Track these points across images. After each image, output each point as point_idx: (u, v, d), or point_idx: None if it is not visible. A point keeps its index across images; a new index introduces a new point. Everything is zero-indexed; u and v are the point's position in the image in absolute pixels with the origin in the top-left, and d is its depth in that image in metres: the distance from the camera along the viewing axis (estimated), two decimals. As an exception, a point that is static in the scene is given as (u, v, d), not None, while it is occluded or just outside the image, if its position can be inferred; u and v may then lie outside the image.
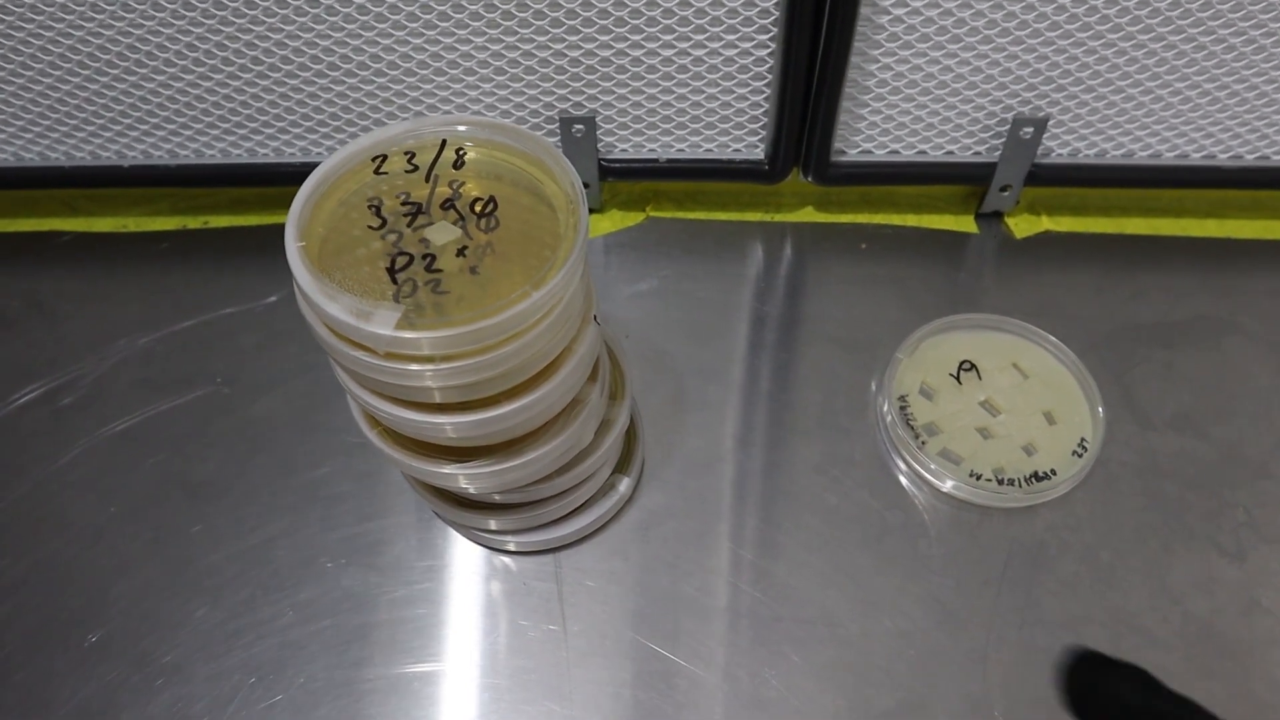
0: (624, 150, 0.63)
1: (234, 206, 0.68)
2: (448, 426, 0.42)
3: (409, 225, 0.41)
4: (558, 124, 0.61)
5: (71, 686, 0.49)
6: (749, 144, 0.62)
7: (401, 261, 0.40)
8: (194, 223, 0.68)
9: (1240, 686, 0.49)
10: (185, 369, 0.60)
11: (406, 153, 0.43)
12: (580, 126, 0.61)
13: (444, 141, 0.44)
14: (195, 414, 0.59)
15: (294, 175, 0.63)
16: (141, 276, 0.65)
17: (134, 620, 0.51)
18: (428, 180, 0.43)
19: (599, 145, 0.63)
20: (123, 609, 0.52)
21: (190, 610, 0.51)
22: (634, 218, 0.67)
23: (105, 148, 0.64)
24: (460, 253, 0.40)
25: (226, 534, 0.54)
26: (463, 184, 0.43)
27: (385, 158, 0.43)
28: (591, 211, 0.67)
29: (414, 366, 0.38)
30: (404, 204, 0.42)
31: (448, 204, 0.42)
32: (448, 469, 0.45)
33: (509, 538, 0.52)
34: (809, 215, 0.67)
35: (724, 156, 0.63)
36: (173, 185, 0.66)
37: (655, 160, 0.63)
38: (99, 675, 0.50)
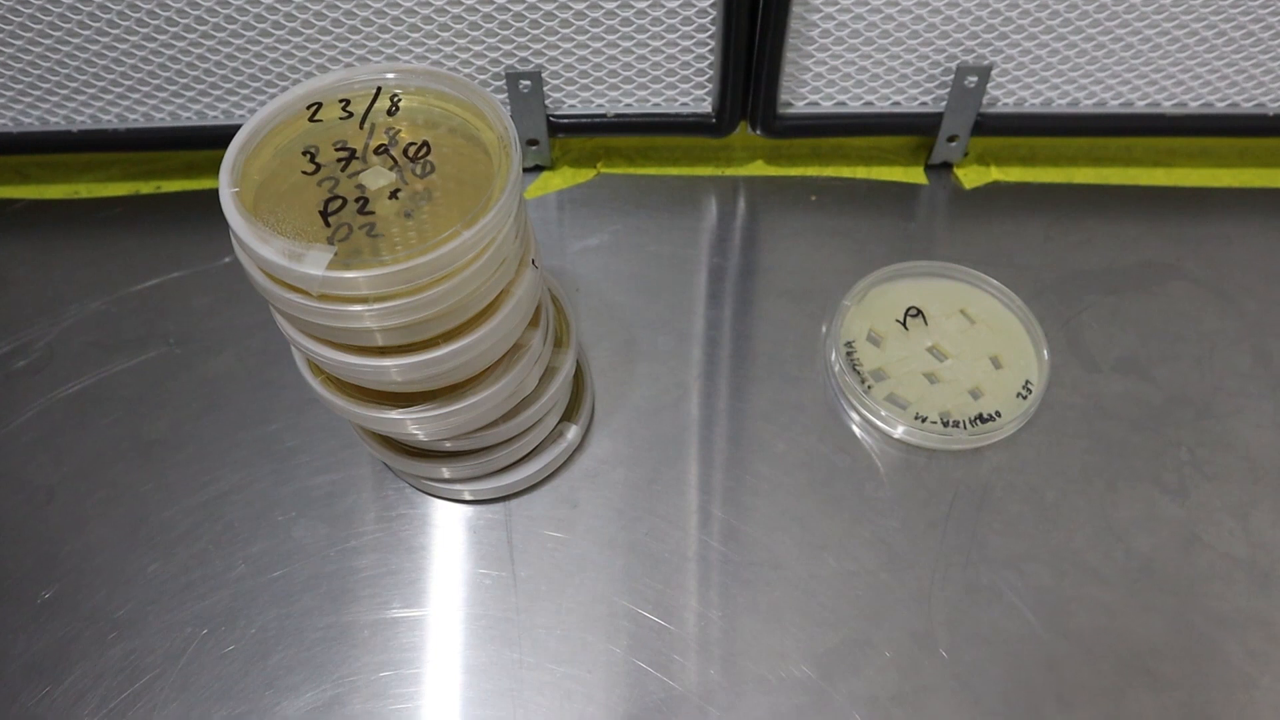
0: (572, 106, 0.63)
1: (186, 171, 0.68)
2: (391, 369, 0.42)
3: (343, 171, 0.41)
4: (504, 79, 0.61)
5: (24, 642, 0.49)
6: (696, 97, 0.63)
7: (335, 205, 0.40)
8: (146, 188, 0.68)
9: (1180, 619, 0.50)
10: (138, 331, 0.61)
11: (341, 100, 0.44)
12: (527, 82, 0.61)
13: (378, 89, 0.44)
14: (148, 375, 0.59)
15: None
16: (94, 242, 0.65)
17: (86, 576, 0.51)
18: (362, 127, 0.43)
19: (547, 101, 0.63)
20: (75, 565, 0.52)
21: (143, 565, 0.52)
22: (585, 174, 0.67)
23: (53, 112, 0.64)
24: (393, 195, 0.40)
25: (179, 490, 0.54)
26: (398, 131, 0.43)
27: (320, 106, 0.43)
28: (542, 168, 0.68)
29: (352, 308, 0.39)
30: (339, 150, 0.42)
31: (382, 150, 0.42)
32: (393, 414, 0.45)
33: (461, 486, 0.52)
34: (760, 169, 0.68)
35: (671, 110, 0.63)
36: (122, 149, 0.66)
37: (603, 115, 0.63)
38: (51, 630, 0.50)
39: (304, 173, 0.41)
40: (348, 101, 0.43)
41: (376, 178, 0.41)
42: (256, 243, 0.38)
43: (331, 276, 0.37)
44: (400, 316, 0.39)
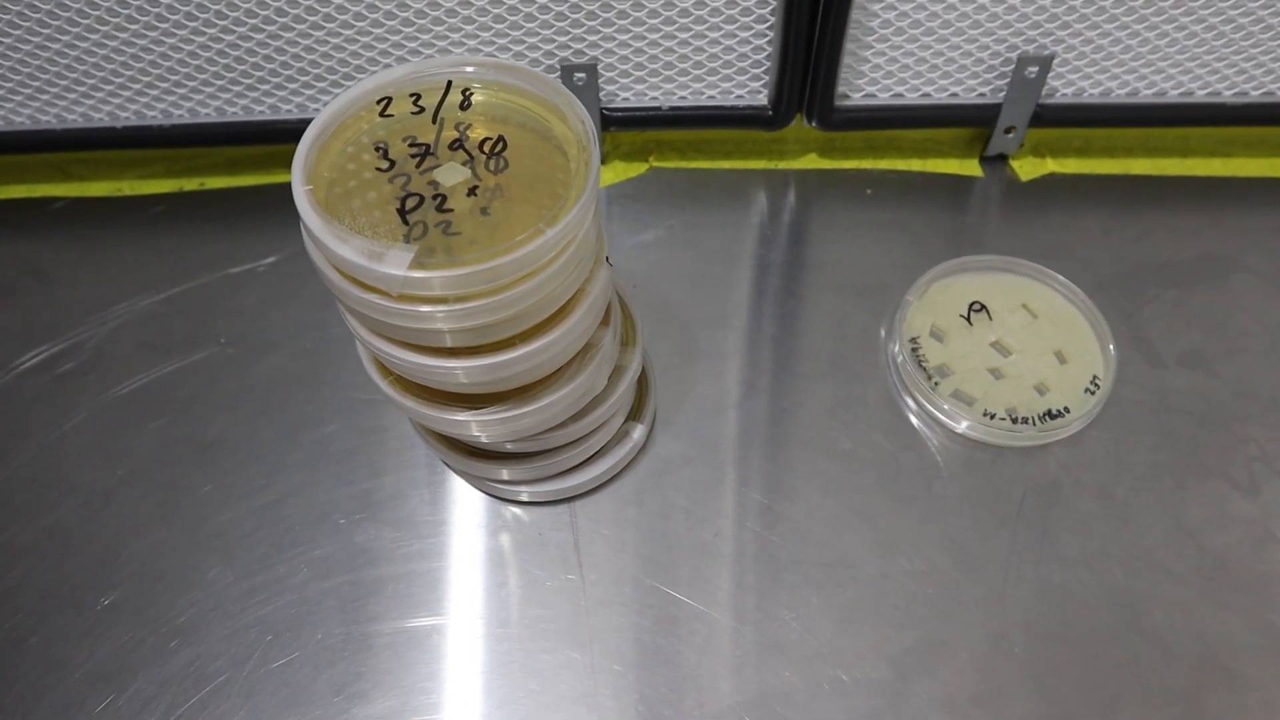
0: (626, 99, 0.62)
1: (230, 167, 0.67)
2: (459, 371, 0.41)
3: (417, 167, 0.41)
4: (559, 72, 0.60)
5: (87, 649, 0.49)
6: (751, 90, 0.62)
7: (412, 203, 0.39)
8: (190, 184, 0.67)
9: (1257, 618, 0.49)
10: (187, 331, 0.60)
11: (412, 95, 0.43)
12: (582, 75, 0.60)
13: (449, 83, 0.43)
14: (200, 375, 0.58)
15: (290, 132, 0.62)
16: (138, 240, 0.65)
17: (147, 582, 0.51)
18: (434, 122, 0.42)
19: (601, 95, 0.62)
20: (135, 571, 0.51)
21: (203, 570, 0.51)
22: (637, 168, 0.66)
23: (97, 109, 0.63)
24: (471, 192, 0.40)
25: (237, 493, 0.53)
26: (470, 125, 0.42)
27: (390, 100, 0.42)
28: (593, 163, 0.67)
29: (425, 308, 0.38)
30: (411, 146, 0.41)
31: (455, 145, 0.41)
32: (461, 416, 0.44)
33: (522, 488, 0.52)
34: (813, 162, 0.67)
35: (726, 103, 0.62)
36: (167, 146, 0.65)
37: (658, 108, 0.62)
38: (113, 637, 0.49)
39: (377, 169, 0.40)
40: (419, 95, 0.43)
41: (452, 174, 0.40)
42: (334, 242, 0.37)
43: (413, 276, 0.37)
44: (476, 318, 0.38)
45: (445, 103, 0.42)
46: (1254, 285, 0.61)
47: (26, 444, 0.56)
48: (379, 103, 0.42)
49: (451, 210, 0.39)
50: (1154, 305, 0.60)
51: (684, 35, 0.58)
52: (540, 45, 0.59)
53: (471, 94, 0.43)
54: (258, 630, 0.49)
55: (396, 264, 0.37)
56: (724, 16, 0.57)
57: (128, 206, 0.67)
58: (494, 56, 0.59)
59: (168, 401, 0.57)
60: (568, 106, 0.41)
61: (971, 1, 0.57)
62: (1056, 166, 0.66)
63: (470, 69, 0.43)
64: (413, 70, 0.43)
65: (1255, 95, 0.63)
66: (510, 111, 0.42)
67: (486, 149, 0.41)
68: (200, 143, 0.64)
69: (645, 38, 0.59)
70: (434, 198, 0.39)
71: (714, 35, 0.58)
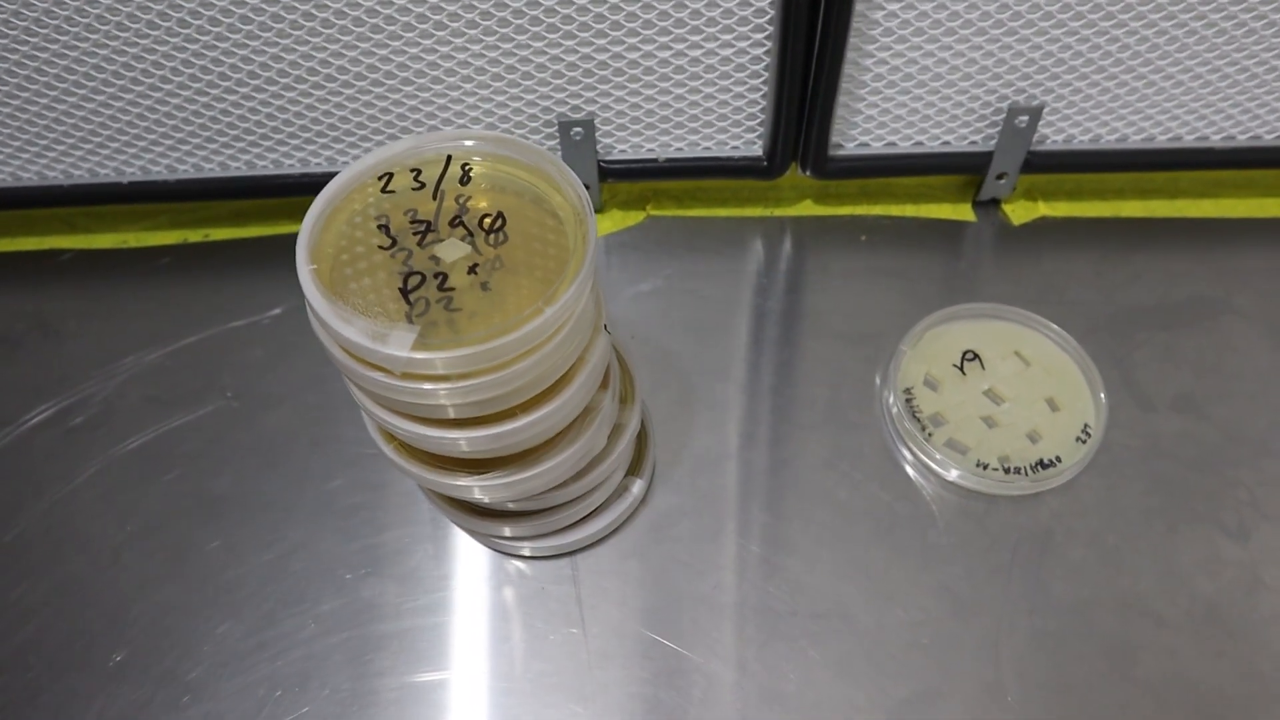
0: (623, 151, 0.63)
1: (234, 219, 0.68)
2: (462, 441, 0.42)
3: (419, 243, 0.42)
4: (556, 128, 0.61)
5: (98, 708, 0.50)
6: (747, 141, 0.63)
7: (414, 281, 0.40)
8: (195, 236, 0.68)
9: (1248, 665, 0.50)
10: (194, 384, 0.61)
11: (412, 169, 0.44)
12: (579, 130, 0.61)
13: (449, 157, 0.44)
14: (207, 429, 0.59)
15: (293, 187, 0.63)
16: (145, 292, 0.66)
17: (156, 638, 0.52)
18: (435, 197, 0.43)
19: (598, 147, 0.63)
20: (145, 627, 0.52)
21: (212, 626, 0.52)
22: (634, 217, 0.67)
23: (103, 165, 0.64)
24: (471, 270, 0.41)
25: (244, 549, 0.54)
26: (469, 199, 0.43)
27: (391, 175, 0.43)
28: (592, 212, 0.68)
29: (428, 386, 0.39)
30: (412, 221, 0.42)
31: (455, 220, 0.42)
32: (463, 481, 0.45)
33: (524, 543, 0.53)
34: (808, 209, 0.68)
35: (722, 154, 0.63)
36: (172, 200, 0.66)
37: (654, 160, 0.63)
38: (124, 695, 0.50)
39: (380, 246, 0.41)
40: (419, 170, 0.44)
41: (452, 250, 0.41)
42: (339, 323, 0.38)
43: (415, 358, 0.38)
44: (478, 394, 0.39)
45: (445, 177, 0.43)
46: (1243, 327, 0.62)
47: (38, 500, 0.57)
48: (380, 179, 0.43)
49: (453, 289, 0.40)
50: (1145, 349, 0.61)
51: (679, 90, 0.59)
52: (539, 102, 0.60)
53: (470, 168, 0.44)
54: (266, 686, 0.50)
55: (400, 345, 0.38)
56: (719, 72, 0.58)
57: (134, 258, 0.68)
58: (493, 115, 0.60)
59: (175, 457, 0.58)
60: (562, 179, 0.42)
61: (961, 54, 0.58)
62: (1048, 210, 0.67)
63: (470, 142, 0.44)
64: (413, 145, 0.44)
65: (1242, 140, 0.64)
66: (508, 183, 0.43)
67: (486, 225, 0.42)
68: (204, 196, 0.65)
69: (641, 92, 0.60)
70: (435, 275, 0.40)
71: (709, 90, 0.59)
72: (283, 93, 0.59)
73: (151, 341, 0.63)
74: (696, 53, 0.57)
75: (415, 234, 0.42)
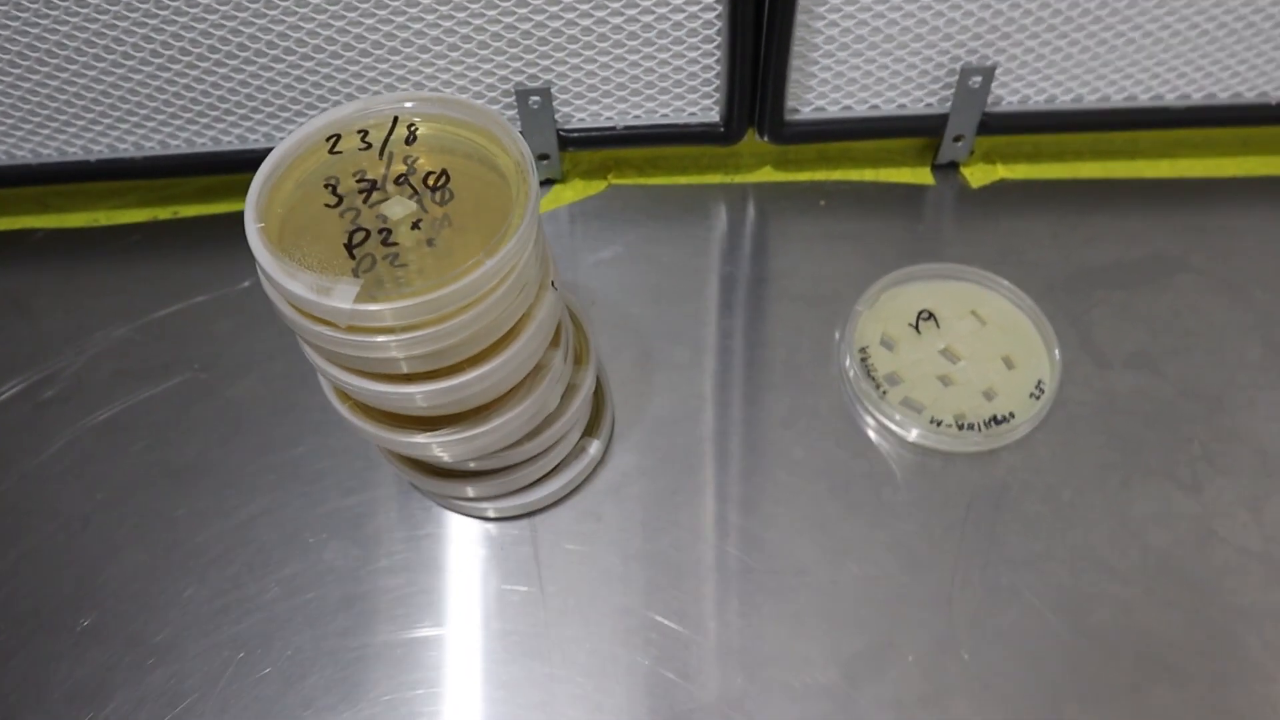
0: (582, 120, 0.64)
1: (202, 195, 0.69)
2: (417, 396, 0.43)
3: (365, 202, 0.42)
4: (514, 96, 0.62)
5: (66, 669, 0.51)
6: (704, 107, 0.63)
7: (358, 237, 0.41)
8: (164, 213, 0.69)
9: (1198, 614, 0.51)
10: (163, 357, 0.61)
11: (360, 131, 0.44)
12: (537, 98, 0.61)
13: (395, 118, 0.44)
14: (175, 400, 0.60)
15: (258, 161, 0.63)
16: (115, 269, 0.66)
17: (124, 603, 0.53)
18: (381, 157, 0.44)
19: (557, 116, 0.63)
20: (113, 592, 0.53)
21: (179, 590, 0.53)
22: (596, 186, 0.68)
23: (71, 143, 0.64)
24: (415, 225, 0.41)
25: (211, 515, 0.55)
26: (416, 159, 0.44)
27: (339, 137, 0.44)
28: (554, 182, 0.68)
29: (378, 339, 0.40)
30: (359, 181, 0.43)
31: (402, 179, 0.43)
32: (419, 438, 0.46)
33: (486, 504, 0.53)
34: (768, 175, 0.68)
35: (680, 121, 0.64)
36: (139, 177, 0.66)
37: (613, 128, 0.64)
38: (92, 658, 0.51)
39: (326, 205, 0.42)
40: (366, 131, 0.44)
41: (397, 208, 0.42)
42: (284, 278, 0.39)
43: (359, 309, 0.38)
44: (425, 345, 0.40)
45: (391, 138, 0.44)
46: (1200, 285, 0.62)
47: (8, 472, 0.57)
48: (328, 140, 0.44)
49: (397, 244, 0.41)
50: (1101, 308, 0.61)
51: (635, 57, 0.60)
52: (495, 71, 0.61)
53: (417, 128, 0.44)
54: (230, 648, 0.51)
55: (343, 298, 0.39)
56: (672, 38, 0.59)
57: (105, 236, 0.68)
58: (451, 85, 0.61)
59: (142, 427, 0.58)
60: (505, 136, 0.43)
61: (912, 15, 0.58)
62: (1007, 173, 0.68)
63: (411, 104, 0.44)
64: (359, 107, 0.44)
65: (1197, 98, 0.64)
66: (455, 142, 0.44)
67: (430, 182, 0.43)
68: (171, 173, 0.66)
69: (597, 60, 0.60)
70: (380, 231, 0.41)
71: (664, 56, 0.60)
72: (244, 66, 0.60)
73: (121, 317, 0.64)
74: (649, 18, 0.58)
75: (362, 193, 0.43)
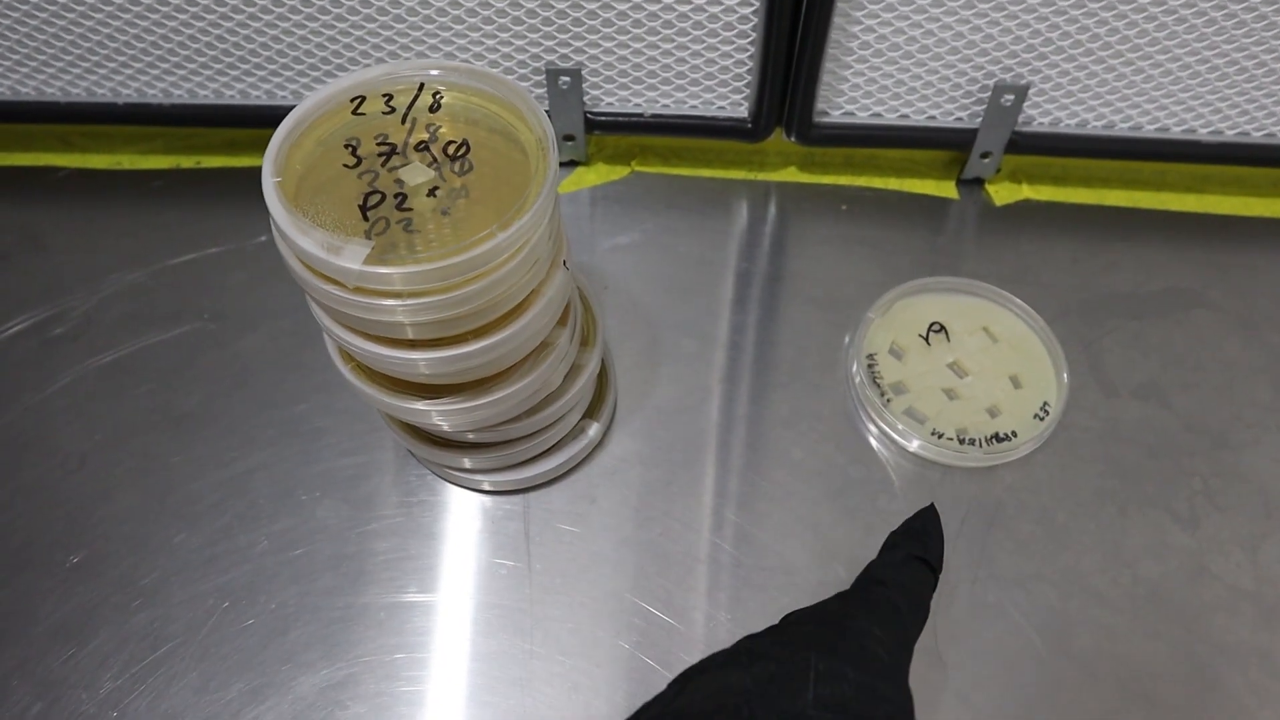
0: (610, 104, 0.64)
1: (227, 147, 0.69)
2: (420, 362, 0.43)
3: (384, 165, 0.42)
4: (544, 75, 0.62)
5: (53, 604, 0.51)
6: (733, 102, 0.63)
7: (374, 199, 0.41)
8: (187, 162, 0.69)
9: (1183, 648, 0.50)
10: (174, 304, 0.62)
11: (385, 95, 0.44)
12: (566, 79, 0.61)
13: (421, 85, 0.44)
14: (182, 348, 0.60)
15: (284, 118, 0.64)
16: (134, 213, 0.67)
17: (114, 543, 0.53)
18: (404, 122, 0.44)
19: (585, 98, 0.63)
20: (103, 532, 0.53)
21: (169, 536, 0.53)
22: (619, 171, 0.68)
23: (100, 84, 0.65)
24: (431, 193, 0.41)
25: (208, 464, 0.55)
26: (439, 127, 0.44)
27: (364, 99, 0.44)
28: (577, 164, 0.68)
29: (385, 301, 0.40)
30: (380, 145, 0.43)
31: (423, 146, 0.43)
32: (419, 405, 0.46)
33: (481, 477, 0.53)
34: (792, 175, 0.68)
35: (708, 113, 0.64)
36: (165, 124, 0.66)
37: (640, 115, 0.64)
38: (79, 595, 0.51)
39: (345, 165, 0.42)
40: (391, 96, 0.44)
41: (416, 174, 0.42)
42: (296, 234, 0.39)
43: (368, 271, 0.38)
44: (432, 312, 0.40)
45: (416, 104, 0.44)
46: (1215, 321, 0.62)
47: (11, 405, 0.58)
48: (352, 101, 0.44)
49: (411, 209, 0.41)
50: (1114, 335, 0.61)
51: (668, 45, 0.60)
52: (527, 49, 0.61)
53: (441, 96, 0.44)
54: (215, 596, 0.51)
55: (353, 258, 0.39)
56: (707, 30, 0.59)
57: (127, 180, 0.69)
58: (482, 59, 0.61)
59: (147, 372, 0.59)
60: (529, 112, 0.43)
61: (950, 28, 0.58)
62: (1032, 193, 0.67)
63: (437, 72, 0.44)
64: (386, 71, 0.44)
65: (1230, 135, 0.64)
66: (479, 114, 0.44)
67: (450, 152, 0.43)
68: (196, 123, 0.66)
69: (630, 45, 0.60)
70: (395, 195, 0.41)
71: (697, 47, 0.60)
72: (278, 22, 0.60)
73: (137, 261, 0.64)
74: (686, 8, 0.57)
75: (381, 156, 0.43)
